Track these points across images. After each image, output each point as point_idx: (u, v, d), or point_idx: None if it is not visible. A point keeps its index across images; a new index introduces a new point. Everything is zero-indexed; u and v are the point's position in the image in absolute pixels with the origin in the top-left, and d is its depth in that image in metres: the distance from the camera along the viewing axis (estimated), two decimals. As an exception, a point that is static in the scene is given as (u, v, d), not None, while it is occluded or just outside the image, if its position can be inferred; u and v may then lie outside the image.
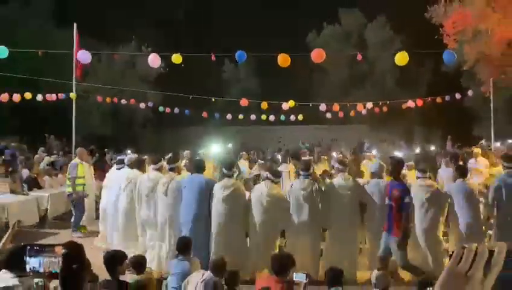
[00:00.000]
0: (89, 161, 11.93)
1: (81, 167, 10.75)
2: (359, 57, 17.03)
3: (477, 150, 12.56)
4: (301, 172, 7.89)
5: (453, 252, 1.07)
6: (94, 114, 26.64)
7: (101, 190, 10.42)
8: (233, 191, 7.49)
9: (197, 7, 35.72)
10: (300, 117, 22.55)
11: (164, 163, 8.69)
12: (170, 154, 9.87)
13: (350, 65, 31.01)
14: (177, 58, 12.28)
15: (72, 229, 10.56)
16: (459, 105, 23.11)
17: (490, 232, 7.65)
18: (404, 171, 9.52)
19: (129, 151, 13.04)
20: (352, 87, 31.35)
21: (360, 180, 8.29)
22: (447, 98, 20.08)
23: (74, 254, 1.92)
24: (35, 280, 3.80)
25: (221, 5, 35.55)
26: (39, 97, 17.68)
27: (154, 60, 12.69)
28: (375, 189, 7.53)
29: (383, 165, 8.08)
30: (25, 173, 13.48)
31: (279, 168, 9.95)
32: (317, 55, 11.95)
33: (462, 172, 7.78)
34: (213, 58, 13.92)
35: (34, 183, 12.60)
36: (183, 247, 5.85)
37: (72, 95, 14.33)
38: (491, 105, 16.29)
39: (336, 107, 21.61)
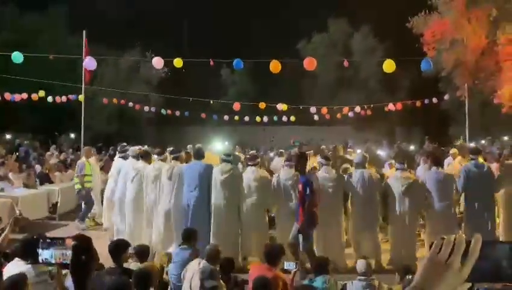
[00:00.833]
0: (95, 158, 11.88)
1: (88, 165, 10.74)
2: (346, 63, 17.11)
3: (454, 150, 12.57)
4: (285, 163, 7.91)
5: (432, 242, 1.09)
6: (101, 114, 26.56)
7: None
8: (230, 175, 7.56)
9: (197, 16, 35.64)
10: (292, 118, 22.62)
11: (167, 154, 8.70)
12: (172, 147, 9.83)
13: (337, 71, 31.08)
14: (178, 62, 12.35)
15: (77, 221, 10.52)
16: (437, 108, 23.24)
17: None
18: (388, 170, 9.52)
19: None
20: (339, 91, 31.46)
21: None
22: (426, 101, 20.23)
23: (83, 246, 1.93)
24: (49, 268, 3.81)
25: (220, 13, 35.48)
26: (50, 98, 17.70)
27: (158, 62, 12.87)
28: (359, 179, 7.52)
29: (366, 156, 8.10)
30: (38, 168, 13.47)
31: (273, 163, 9.99)
32: (309, 63, 12.07)
33: (436, 161, 7.72)
34: (211, 63, 13.95)
35: (45, 179, 12.56)
36: (187, 237, 5.83)
37: (81, 97, 14.39)
38: (466, 108, 16.38)
39: (324, 109, 21.70)
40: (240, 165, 9.19)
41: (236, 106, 20.78)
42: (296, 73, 25.92)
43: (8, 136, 23.93)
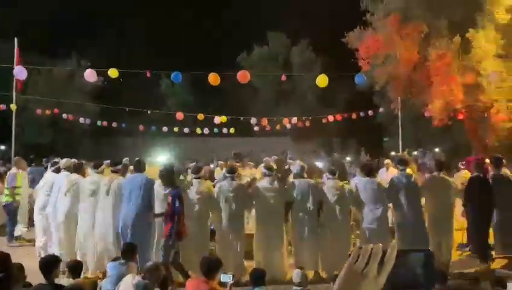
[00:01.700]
0: (26, 170, 11.33)
1: (19, 177, 10.25)
2: (283, 77, 17.39)
3: (388, 161, 13.05)
4: (227, 174, 7.86)
5: (351, 252, 1.10)
6: (34, 124, 25.50)
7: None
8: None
9: (136, 26, 35.08)
10: (232, 130, 22.67)
11: (104, 167, 8.38)
12: (110, 160, 9.54)
13: (277, 83, 31.57)
14: (113, 73, 12.07)
15: (7, 239, 9.98)
16: (372, 120, 24.01)
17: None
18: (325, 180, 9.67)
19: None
20: (278, 103, 31.95)
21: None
22: (362, 114, 20.88)
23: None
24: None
25: (161, 24, 35.13)
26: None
27: (90, 75, 12.45)
28: (298, 187, 7.59)
29: (304, 166, 8.18)
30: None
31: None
32: (242, 76, 12.17)
33: (368, 171, 7.86)
34: (148, 75, 13.77)
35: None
36: (126, 251, 5.63)
37: (12, 106, 13.80)
38: (399, 121, 17.02)
39: (263, 121, 21.91)
40: (181, 177, 9.04)
41: (180, 115, 20.54)
42: (236, 85, 26.07)
43: None
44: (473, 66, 15.28)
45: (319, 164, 14.97)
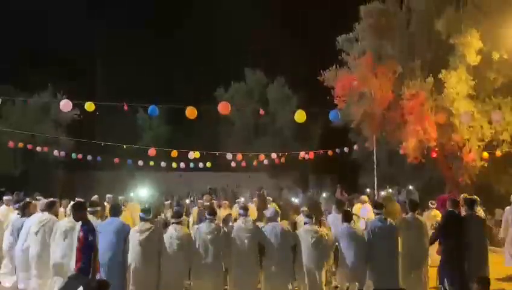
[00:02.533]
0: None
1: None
2: (261, 112, 17.48)
3: (364, 197, 13.21)
4: (207, 216, 7.78)
5: None
6: (6, 157, 24.93)
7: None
8: (149, 235, 7.26)
9: (113, 59, 35.06)
10: (208, 164, 22.58)
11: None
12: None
13: (253, 118, 31.79)
14: (89, 106, 11.99)
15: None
16: (347, 157, 24.20)
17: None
18: (298, 217, 9.71)
19: (38, 197, 12.26)
20: (255, 138, 32.09)
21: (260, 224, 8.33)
22: (337, 150, 21.07)
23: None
24: None
25: (139, 58, 35.18)
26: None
27: (65, 105, 12.38)
28: (272, 232, 7.59)
29: (278, 211, 8.24)
30: None
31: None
32: (223, 107, 12.24)
33: (346, 217, 8.05)
34: (125, 108, 13.68)
35: None
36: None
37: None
38: (374, 158, 17.18)
39: (239, 156, 21.90)
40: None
41: (152, 151, 20.38)
42: (213, 119, 26.15)
43: None
44: (446, 106, 15.59)
45: (295, 200, 14.98)
